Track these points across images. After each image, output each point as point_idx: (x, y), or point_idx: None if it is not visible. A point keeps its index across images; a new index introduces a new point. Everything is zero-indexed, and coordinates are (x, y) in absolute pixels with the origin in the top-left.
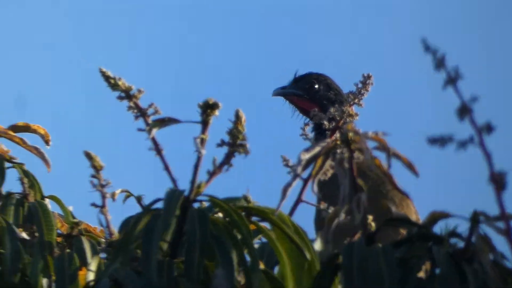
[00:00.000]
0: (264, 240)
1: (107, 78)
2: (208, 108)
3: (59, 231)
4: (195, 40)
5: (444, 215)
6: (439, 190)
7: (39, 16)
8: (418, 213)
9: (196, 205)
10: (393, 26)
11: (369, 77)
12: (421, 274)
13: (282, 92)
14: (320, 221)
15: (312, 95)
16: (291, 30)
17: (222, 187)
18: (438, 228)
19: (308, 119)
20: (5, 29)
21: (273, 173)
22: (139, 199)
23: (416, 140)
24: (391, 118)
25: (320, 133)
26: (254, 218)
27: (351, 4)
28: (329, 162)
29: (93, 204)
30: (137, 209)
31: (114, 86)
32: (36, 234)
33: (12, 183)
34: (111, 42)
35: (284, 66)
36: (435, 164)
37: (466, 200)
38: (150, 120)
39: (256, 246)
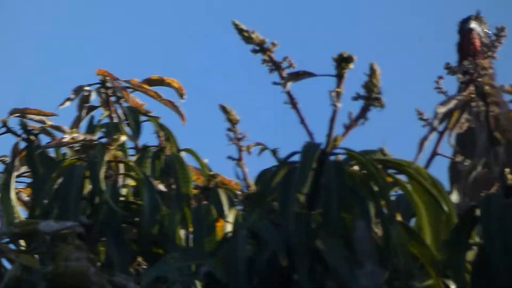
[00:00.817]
0: (400, 192)
1: (240, 31)
2: (342, 61)
3: (195, 184)
4: None
5: None
6: None
7: None
8: None
9: (332, 158)
10: None
11: (502, 29)
12: None
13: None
14: (456, 174)
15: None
16: None
17: (358, 140)
18: None
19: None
20: None
21: (408, 127)
22: (274, 152)
23: None
24: None
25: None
26: (390, 171)
27: None
28: (465, 116)
29: (230, 157)
30: (273, 162)
31: (248, 39)
32: (173, 186)
33: (148, 137)
34: None
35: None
36: None
37: None
38: (284, 73)
39: (392, 198)
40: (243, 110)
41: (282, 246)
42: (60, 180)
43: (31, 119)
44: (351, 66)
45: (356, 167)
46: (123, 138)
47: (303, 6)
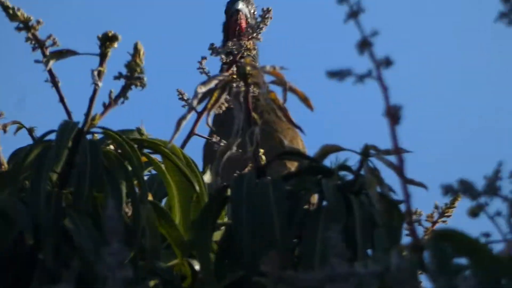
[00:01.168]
0: (155, 172)
1: (5, 8)
2: (107, 40)
3: None
4: None
5: (335, 149)
6: (333, 125)
7: None
8: (306, 149)
9: (89, 137)
10: None
11: (268, 11)
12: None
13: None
14: (210, 154)
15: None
16: None
17: (118, 120)
18: (329, 162)
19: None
20: None
21: (169, 107)
22: (31, 130)
23: (316, 75)
24: (291, 52)
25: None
26: (146, 151)
27: None
28: (225, 96)
29: None
30: (30, 141)
31: (12, 16)
32: None
33: None
34: None
35: None
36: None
37: (360, 135)
38: (48, 51)
39: (146, 178)
40: (1, 86)
41: (30, 225)
42: None
43: None
44: (116, 45)
45: (112, 146)
46: None
47: None
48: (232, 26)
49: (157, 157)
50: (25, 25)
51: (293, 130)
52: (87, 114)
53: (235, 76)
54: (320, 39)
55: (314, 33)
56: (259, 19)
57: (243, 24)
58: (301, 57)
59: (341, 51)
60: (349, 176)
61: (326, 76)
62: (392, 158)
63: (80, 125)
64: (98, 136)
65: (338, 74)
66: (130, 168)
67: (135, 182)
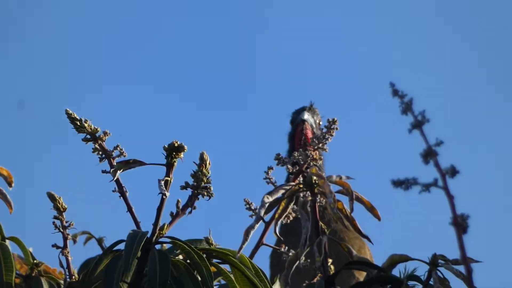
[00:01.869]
0: (224, 282)
1: (73, 120)
2: (173, 150)
3: (18, 272)
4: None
5: (403, 258)
6: (400, 234)
7: None
8: (373, 259)
9: (157, 246)
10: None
11: (334, 122)
12: None
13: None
14: (277, 264)
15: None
16: None
17: (185, 229)
18: (397, 271)
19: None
20: None
21: (236, 216)
22: (100, 240)
23: (381, 184)
24: (356, 161)
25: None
26: (215, 260)
27: None
28: (292, 205)
29: (54, 245)
30: (99, 251)
31: (80, 128)
32: None
33: None
34: None
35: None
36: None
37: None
38: (115, 162)
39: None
40: (71, 198)
41: None
42: None
43: None
44: (182, 155)
45: (181, 256)
46: None
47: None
48: (298, 136)
49: (226, 267)
50: (92, 136)
51: (361, 240)
52: (155, 224)
53: (301, 186)
54: (385, 149)
55: (379, 143)
56: (324, 130)
57: (309, 134)
58: (367, 167)
59: (408, 161)
60: (418, 286)
61: (392, 185)
62: (461, 268)
63: (148, 235)
64: (166, 246)
65: (404, 183)
66: (199, 278)
67: None
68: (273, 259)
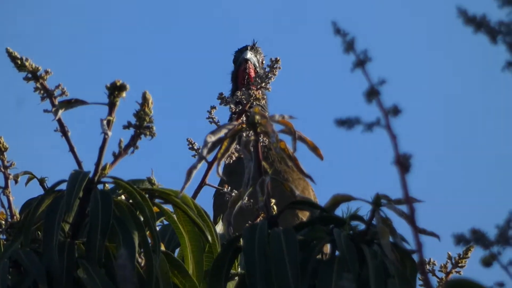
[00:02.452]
0: (166, 222)
1: (13, 58)
2: (115, 89)
3: None
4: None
5: (346, 198)
6: (343, 173)
7: None
8: (317, 199)
9: (100, 186)
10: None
11: (276, 61)
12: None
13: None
14: (221, 205)
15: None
16: None
17: (128, 169)
18: (340, 211)
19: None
20: None
21: (179, 156)
22: (42, 181)
23: (324, 124)
24: (299, 102)
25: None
26: (158, 200)
27: None
28: (234, 145)
29: None
30: (41, 191)
31: (20, 66)
32: None
33: None
34: None
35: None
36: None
37: (370, 183)
38: (56, 101)
39: (158, 228)
40: (12, 138)
41: (43, 275)
42: None
43: None
44: (124, 94)
45: (123, 196)
46: None
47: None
48: (241, 75)
49: (168, 207)
50: (34, 75)
51: (305, 181)
52: (97, 164)
53: (244, 126)
54: (328, 88)
55: (322, 82)
56: (267, 69)
57: (252, 74)
58: (309, 106)
59: (350, 99)
60: (361, 226)
61: (335, 124)
62: (404, 208)
63: (90, 175)
64: (109, 186)
65: (347, 123)
66: (142, 218)
67: (147, 232)
68: (216, 199)
